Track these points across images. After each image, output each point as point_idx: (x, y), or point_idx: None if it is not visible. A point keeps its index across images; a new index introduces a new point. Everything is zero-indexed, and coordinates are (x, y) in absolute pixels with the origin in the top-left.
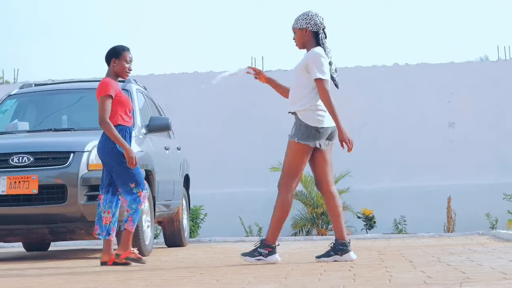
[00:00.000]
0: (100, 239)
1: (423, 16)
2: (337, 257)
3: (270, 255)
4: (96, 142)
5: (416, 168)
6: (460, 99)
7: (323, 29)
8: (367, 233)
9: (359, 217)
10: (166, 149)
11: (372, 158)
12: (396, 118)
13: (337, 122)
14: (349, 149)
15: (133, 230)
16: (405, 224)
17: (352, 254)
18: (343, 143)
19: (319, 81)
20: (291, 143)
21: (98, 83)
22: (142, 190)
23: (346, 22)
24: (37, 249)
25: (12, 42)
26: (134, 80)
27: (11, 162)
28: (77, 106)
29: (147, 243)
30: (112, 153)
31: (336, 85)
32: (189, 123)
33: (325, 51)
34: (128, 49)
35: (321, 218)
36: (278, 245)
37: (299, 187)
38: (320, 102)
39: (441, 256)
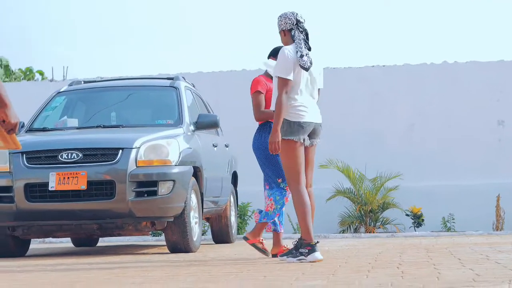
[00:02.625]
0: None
1: (473, 14)
2: (302, 257)
3: (310, 253)
4: (144, 138)
5: (465, 166)
6: (510, 97)
7: (296, 25)
8: (415, 230)
9: (407, 215)
10: (214, 146)
11: (421, 155)
12: (445, 116)
13: (275, 123)
14: (271, 152)
15: (267, 222)
16: (454, 222)
17: (317, 255)
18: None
19: (277, 79)
20: None
21: (146, 80)
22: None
23: (395, 20)
24: (85, 244)
25: (62, 40)
26: (182, 77)
27: (60, 158)
28: (126, 103)
29: (195, 239)
30: (261, 148)
31: (304, 68)
32: (237, 121)
33: (296, 46)
34: None
35: (369, 215)
36: (318, 242)
37: (348, 185)
38: (300, 98)
39: (490, 254)
